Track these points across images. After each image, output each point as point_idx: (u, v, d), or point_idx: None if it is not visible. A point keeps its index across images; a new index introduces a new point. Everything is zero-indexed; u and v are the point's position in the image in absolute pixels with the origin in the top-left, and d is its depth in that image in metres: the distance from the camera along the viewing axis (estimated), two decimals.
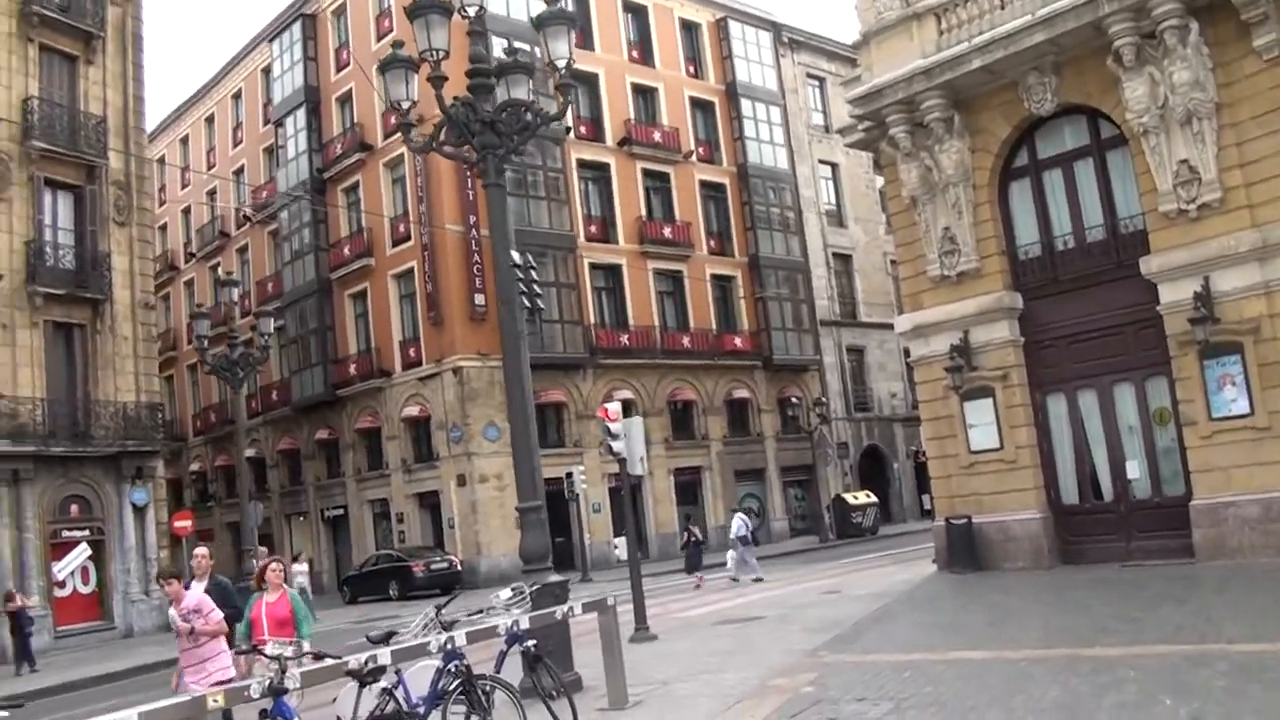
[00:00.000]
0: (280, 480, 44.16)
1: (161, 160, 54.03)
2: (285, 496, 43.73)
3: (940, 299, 20.62)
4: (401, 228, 37.36)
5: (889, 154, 21.45)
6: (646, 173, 41.40)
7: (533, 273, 32.93)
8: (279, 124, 42.95)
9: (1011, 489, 19.34)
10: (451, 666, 8.81)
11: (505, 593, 10.20)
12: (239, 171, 47.64)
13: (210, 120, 50.18)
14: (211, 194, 49.82)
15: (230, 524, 47.42)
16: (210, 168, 50.03)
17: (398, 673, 8.85)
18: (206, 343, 26.64)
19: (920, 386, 21.69)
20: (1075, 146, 19.43)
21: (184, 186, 52.15)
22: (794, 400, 42.60)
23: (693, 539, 29.83)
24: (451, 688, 8.80)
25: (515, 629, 8.93)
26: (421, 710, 8.89)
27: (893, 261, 48.87)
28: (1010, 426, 19.39)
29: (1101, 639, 10.83)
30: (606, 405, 16.16)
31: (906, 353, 48.50)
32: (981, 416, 19.90)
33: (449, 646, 8.32)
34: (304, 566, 28.27)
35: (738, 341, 42.28)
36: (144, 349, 30.42)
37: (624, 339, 38.78)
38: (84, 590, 27.98)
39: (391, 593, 31.68)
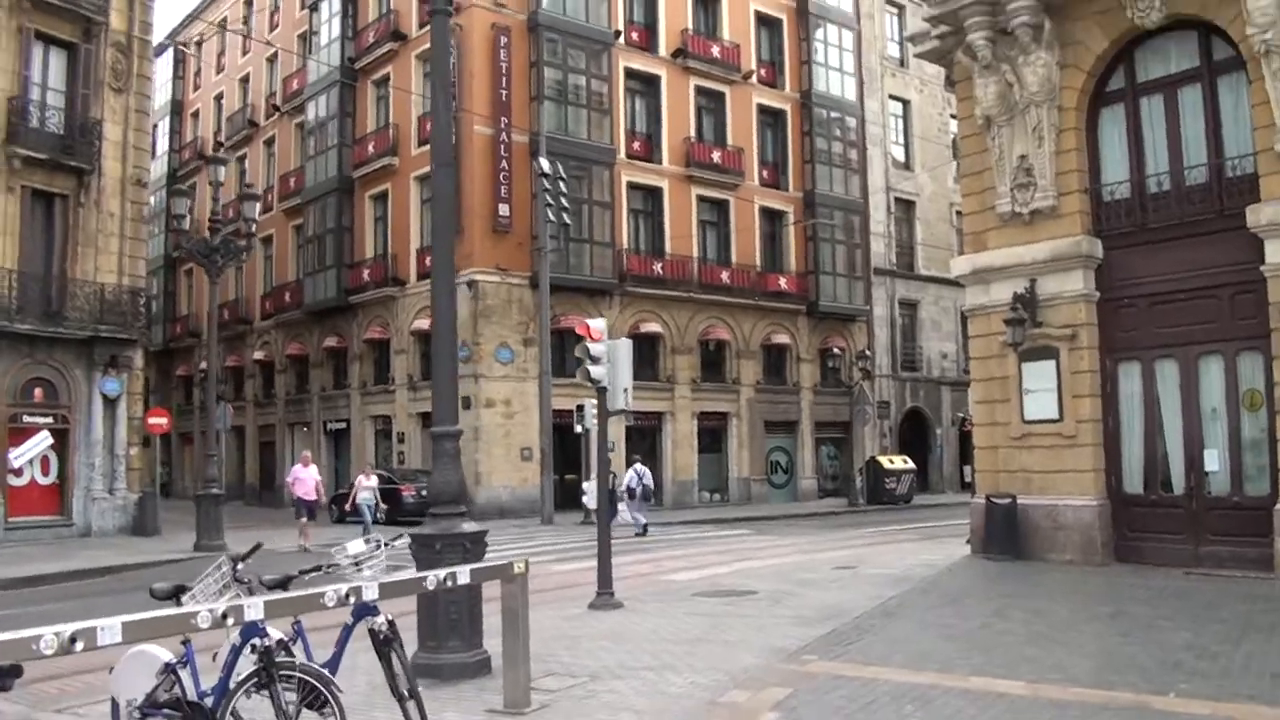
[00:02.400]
0: (286, 386, 41.94)
1: (199, 44, 51.71)
2: (290, 404, 41.52)
3: (1007, 240, 17.76)
4: (429, 126, 34.41)
5: (965, 66, 18.42)
6: (700, 90, 38.17)
7: (561, 184, 30.46)
8: (314, 8, 40.16)
9: (1067, 469, 16.59)
10: (252, 645, 6.13)
11: (356, 544, 7.51)
12: (272, 59, 44.98)
13: (249, 2, 47.45)
14: (244, 81, 47.25)
15: (236, 428, 45.36)
16: (244, 54, 47.44)
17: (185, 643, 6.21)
18: (186, 223, 24.24)
19: (974, 341, 18.74)
20: (1182, 69, 16.31)
21: (218, 72, 49.65)
22: (836, 351, 39.56)
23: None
24: (243, 677, 6.13)
25: (352, 598, 6.16)
26: (209, 703, 6.24)
27: (958, 213, 45.46)
28: (1073, 396, 16.59)
29: (1176, 681, 7.99)
30: (588, 321, 13.33)
31: (963, 316, 45.56)
32: (1041, 381, 17.10)
33: (232, 619, 5.57)
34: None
35: (782, 282, 39.20)
36: (132, 229, 27.92)
37: (658, 267, 35.84)
38: (43, 481, 25.76)
39: (379, 516, 29.23)
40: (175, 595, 6.53)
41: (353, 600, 6.10)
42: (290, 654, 6.44)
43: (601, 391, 13.17)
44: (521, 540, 23.92)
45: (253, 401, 44.15)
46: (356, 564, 7.25)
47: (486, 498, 31.21)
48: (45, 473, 25.76)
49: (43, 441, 25.37)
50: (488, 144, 32.50)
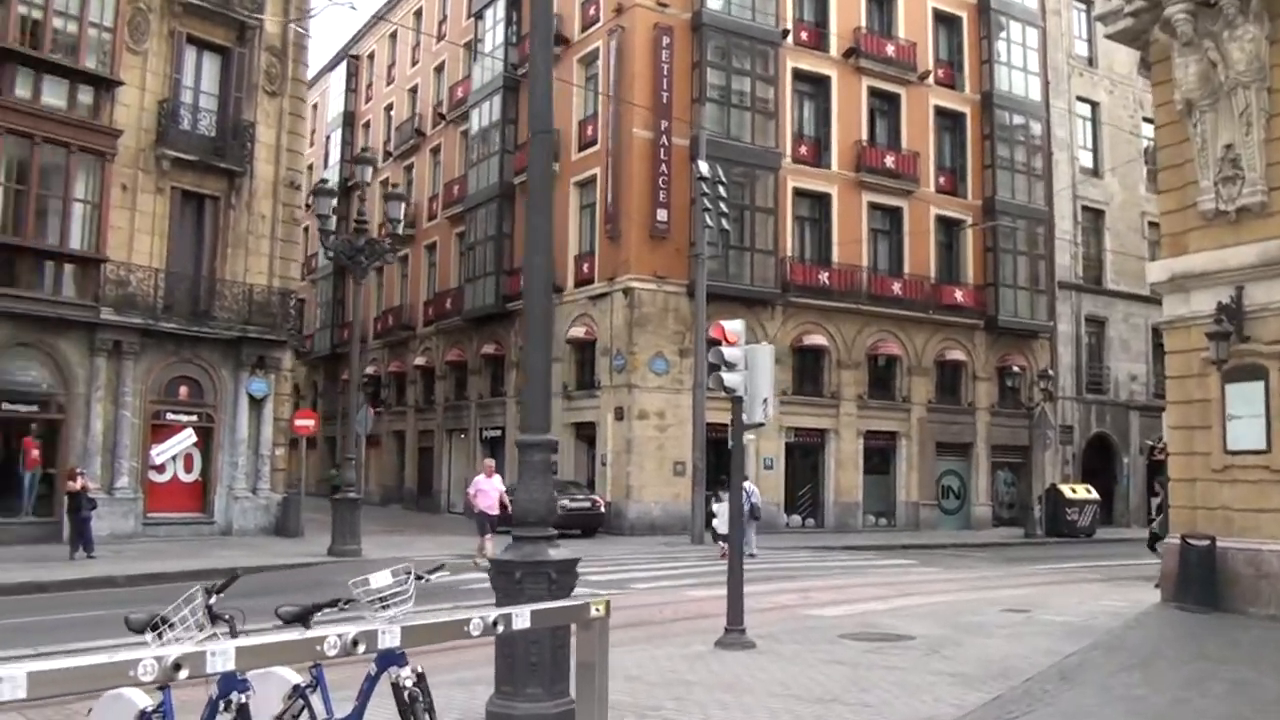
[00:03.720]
0: (446, 393, 41.73)
1: (370, 56, 52.50)
2: (449, 411, 41.27)
3: (1211, 241, 15.62)
4: (589, 130, 33.72)
5: (1162, 45, 16.42)
6: (873, 91, 36.29)
7: (721, 188, 29.09)
8: (479, 16, 39.90)
9: (1275, 508, 14.36)
10: (228, 700, 4.97)
11: (382, 576, 6.27)
12: (439, 68, 45.07)
13: (419, 14, 47.75)
14: (413, 91, 47.54)
15: (397, 432, 45.62)
16: (413, 64, 47.77)
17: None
18: (331, 224, 23.83)
19: (1170, 358, 16.57)
20: None
21: (388, 84, 50.16)
22: (1016, 370, 37.00)
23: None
24: None
25: (361, 645, 4.89)
26: None
27: (1151, 223, 42.22)
28: None
29: None
30: (723, 323, 11.90)
31: (1155, 331, 42.25)
32: (1247, 405, 14.88)
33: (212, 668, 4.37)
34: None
35: (959, 295, 36.90)
36: (284, 231, 27.87)
37: (824, 277, 34.09)
38: (186, 479, 25.80)
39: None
40: (154, 627, 5.40)
41: (362, 647, 4.83)
42: (308, 704, 5.29)
43: (737, 401, 11.73)
44: (665, 560, 22.64)
45: (414, 407, 44.18)
46: (382, 602, 6.01)
47: (637, 512, 30.09)
48: (188, 470, 25.80)
49: (186, 439, 25.40)
50: (647, 147, 31.41)
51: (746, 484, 25.35)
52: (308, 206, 35.58)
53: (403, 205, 24.20)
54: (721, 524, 24.02)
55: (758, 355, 11.84)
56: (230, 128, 26.65)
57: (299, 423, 27.81)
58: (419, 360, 43.19)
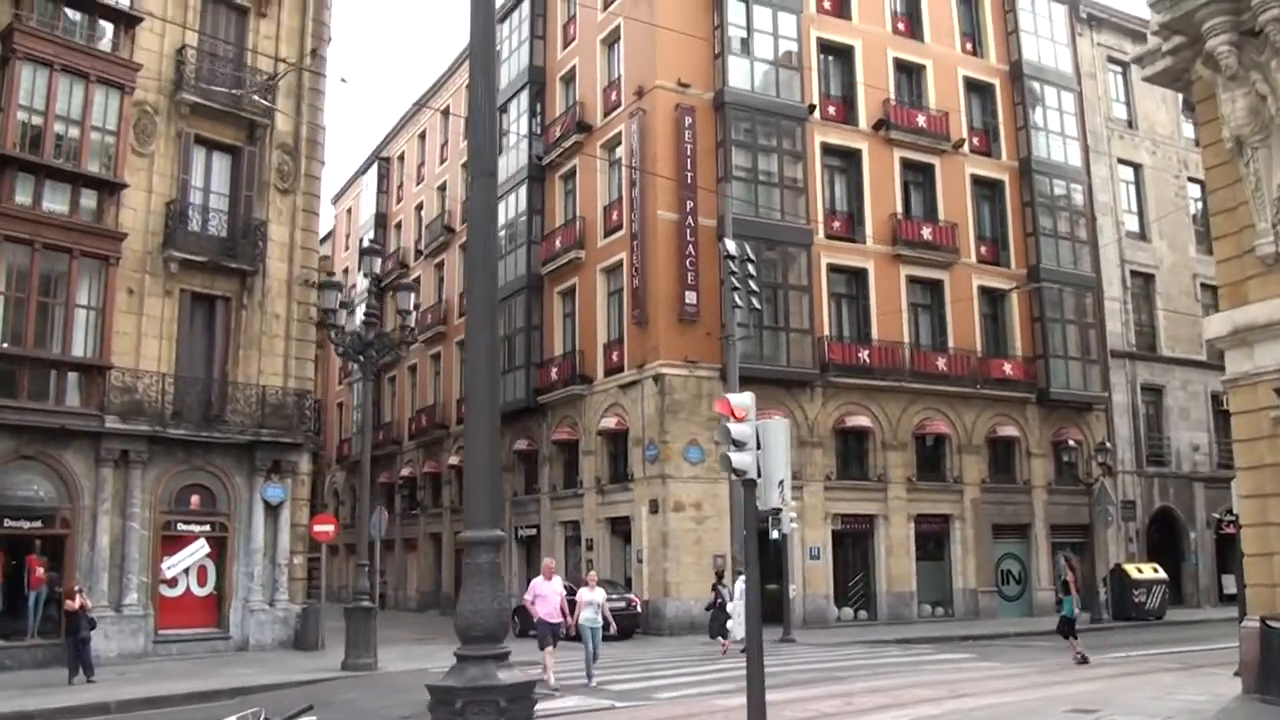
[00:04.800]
0: None
1: (401, 157, 52.49)
2: None
3: (1273, 289, 14.36)
4: (614, 215, 32.89)
5: (1206, 82, 15.27)
6: (906, 163, 35.23)
7: (751, 266, 27.97)
8: (503, 109, 39.52)
9: None
10: None
11: None
12: (466, 165, 44.68)
13: (446, 113, 47.61)
14: (442, 189, 47.26)
15: (433, 535, 44.42)
16: (442, 162, 47.57)
17: None
18: (342, 317, 22.95)
19: (1237, 420, 15.08)
20: None
21: (418, 183, 49.97)
22: (1072, 444, 35.15)
23: (719, 600, 25.37)
24: None
25: None
26: None
27: (1204, 285, 40.60)
28: None
29: None
30: (729, 396, 10.68)
31: (1215, 398, 40.31)
32: None
33: None
34: (597, 595, 19.15)
35: (1007, 369, 35.33)
36: (299, 330, 27.02)
37: (864, 355, 32.72)
38: (199, 592, 24.67)
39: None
40: None
41: None
42: None
43: (749, 486, 10.47)
44: (699, 664, 21.08)
45: (449, 508, 42.98)
46: None
47: (676, 611, 28.52)
48: (202, 583, 24.69)
49: (198, 550, 24.36)
50: (673, 229, 30.48)
51: (742, 577, 23.91)
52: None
53: (411, 296, 23.29)
54: (737, 625, 22.49)
55: (770, 432, 10.59)
56: (241, 227, 26.03)
57: (318, 528, 26.59)
58: (453, 460, 42.10)
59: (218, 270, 25.40)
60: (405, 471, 46.99)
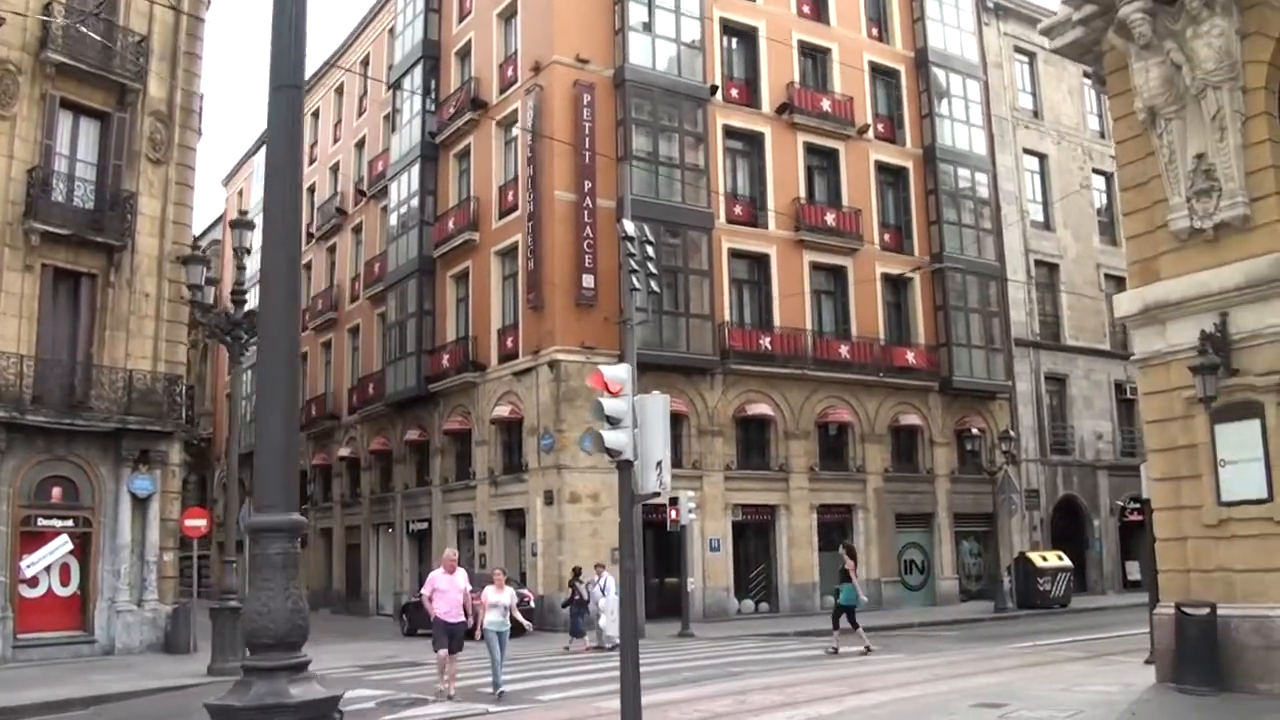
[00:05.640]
0: (371, 485, 38.93)
1: None
2: (375, 504, 38.44)
3: (1186, 264, 13.73)
4: (510, 195, 31.59)
5: (1118, 53, 14.75)
6: (810, 148, 34.45)
7: (649, 248, 26.83)
8: (396, 86, 37.99)
9: None
10: None
11: None
12: (360, 144, 43.06)
13: (340, 91, 45.84)
14: (335, 169, 45.47)
15: (324, 530, 42.67)
16: (335, 142, 45.77)
17: None
18: (208, 295, 21.38)
19: (1148, 400, 14.46)
20: None
21: (311, 163, 47.99)
22: (975, 433, 34.73)
23: (576, 596, 24.44)
24: None
25: None
26: None
27: (1107, 276, 40.64)
28: None
29: None
30: (603, 369, 9.56)
31: (1118, 386, 40.43)
32: (1241, 448, 12.87)
33: None
34: (505, 596, 16.74)
35: (910, 357, 34.79)
36: (170, 311, 25.27)
37: (765, 342, 31.87)
38: (62, 592, 22.80)
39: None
40: None
41: None
42: None
43: (623, 468, 9.37)
44: (591, 661, 19.96)
45: (340, 502, 41.31)
46: None
47: None
48: (65, 582, 22.84)
49: (60, 547, 22.57)
50: (570, 211, 29.29)
51: (606, 573, 23.06)
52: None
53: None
54: (611, 623, 21.55)
55: (649, 408, 9.50)
56: (109, 198, 24.16)
57: (189, 523, 24.74)
58: (344, 451, 40.45)
59: (83, 245, 23.53)
60: (314, 460, 45.07)
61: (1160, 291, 13.85)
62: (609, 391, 9.40)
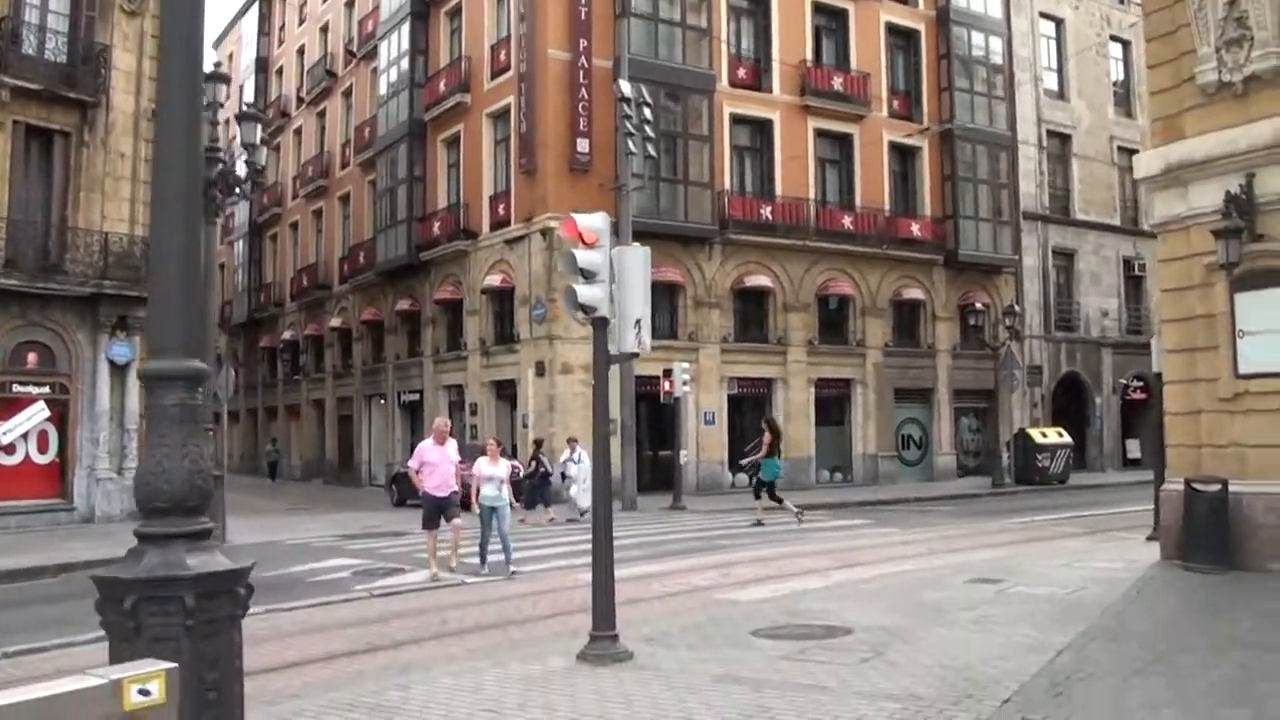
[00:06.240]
0: (363, 356, 38.29)
1: None
2: (366, 375, 37.86)
3: (1213, 121, 12.76)
4: (502, 55, 30.23)
5: None
6: (818, 7, 32.90)
7: (647, 111, 25.75)
8: None
9: None
10: None
11: None
12: (350, 3, 41.28)
13: None
14: (325, 30, 43.75)
15: (316, 400, 42.26)
16: (324, 1, 43.95)
17: None
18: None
19: (1165, 268, 13.63)
20: None
21: (300, 24, 46.27)
22: (979, 308, 33.91)
23: (540, 470, 24.35)
24: None
25: None
26: None
27: (1121, 148, 39.33)
28: None
29: None
30: (577, 216, 8.70)
31: (1127, 263, 39.46)
32: (1264, 318, 12.06)
33: None
34: (500, 469, 14.28)
35: (915, 229, 33.77)
36: (148, 171, 24.16)
37: (766, 212, 30.84)
38: (40, 460, 22.33)
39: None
40: None
41: None
42: None
43: (598, 326, 8.58)
44: (576, 533, 19.48)
45: (332, 373, 40.73)
46: None
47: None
48: (43, 450, 22.34)
49: (37, 414, 21.99)
50: (564, 70, 28.00)
51: (579, 447, 22.49)
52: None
53: (258, 128, 20.58)
54: (583, 494, 21.13)
55: (628, 261, 8.67)
56: (82, 52, 23.00)
57: None
58: (335, 322, 39.71)
59: (55, 101, 22.42)
60: (287, 335, 44.46)
61: (1184, 150, 12.92)
62: (583, 242, 8.56)
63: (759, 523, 20.25)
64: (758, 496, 21.33)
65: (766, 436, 21.65)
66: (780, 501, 21.03)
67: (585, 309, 8.52)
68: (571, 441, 23.37)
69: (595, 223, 8.66)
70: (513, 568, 13.97)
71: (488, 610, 11.24)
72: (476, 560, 14.37)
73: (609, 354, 8.71)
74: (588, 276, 8.51)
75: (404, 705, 7.03)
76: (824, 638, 8.85)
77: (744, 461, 23.28)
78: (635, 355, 8.84)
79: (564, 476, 23.41)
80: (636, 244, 9.51)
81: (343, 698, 7.31)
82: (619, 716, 6.58)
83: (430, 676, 7.91)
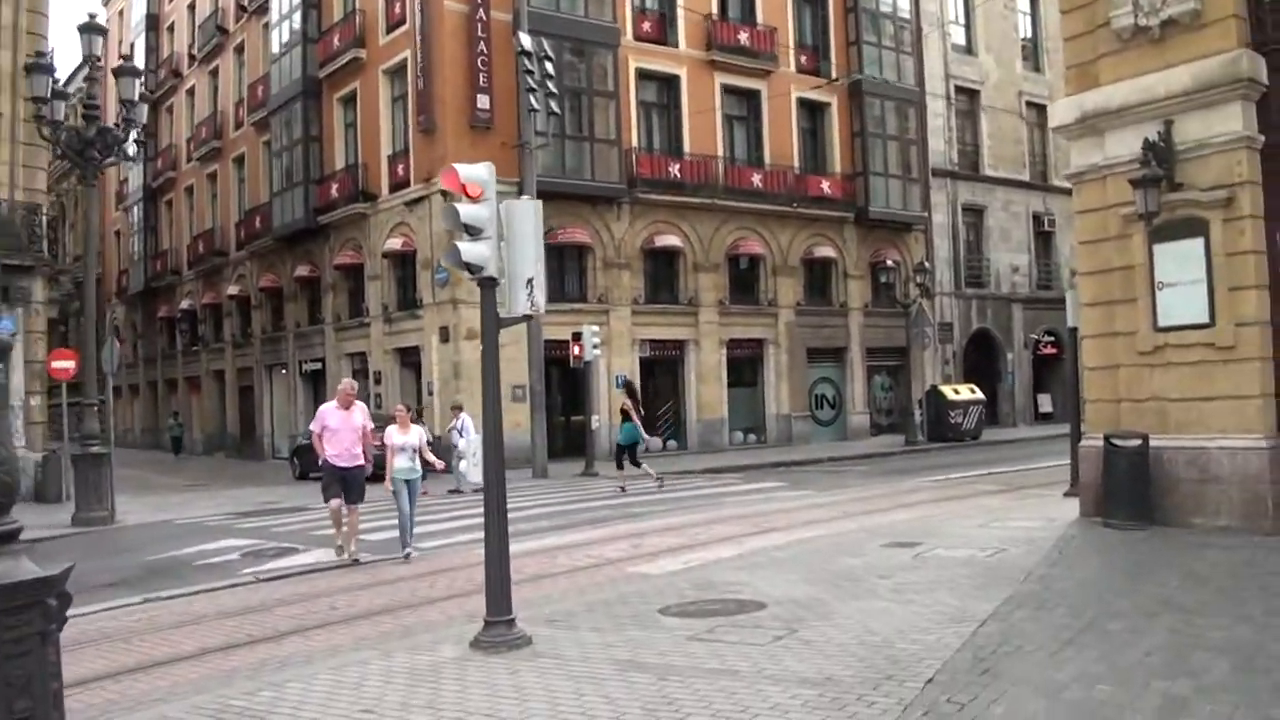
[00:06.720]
0: (262, 324, 36.96)
1: None
2: (267, 344, 36.55)
3: (1129, 67, 12.43)
4: (397, 7, 29.02)
5: None
6: None
7: (549, 65, 24.86)
8: None
9: (1221, 394, 11.48)
10: None
11: None
12: None
13: None
14: None
15: (216, 371, 40.84)
16: None
17: None
18: (57, 110, 19.06)
19: (1082, 219, 13.32)
20: None
21: None
22: (890, 265, 33.68)
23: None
24: None
25: None
26: None
27: (1029, 104, 39.41)
28: (1229, 289, 11.46)
29: None
30: (458, 167, 7.93)
31: (1036, 219, 39.62)
32: (1183, 269, 11.81)
33: None
34: (412, 436, 13.47)
35: (825, 186, 33.38)
36: (26, 132, 22.67)
37: (675, 170, 30.18)
38: None
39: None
40: None
41: None
42: None
43: (486, 286, 7.86)
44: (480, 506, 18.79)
45: (231, 343, 39.31)
46: None
47: (469, 446, 26.09)
48: None
49: None
50: (461, 23, 26.98)
51: (464, 415, 21.70)
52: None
53: (136, 83, 19.32)
54: (471, 467, 20.29)
55: (517, 215, 7.92)
56: None
57: (56, 364, 22.81)
58: (233, 289, 38.27)
59: None
60: (185, 304, 42.80)
61: (1099, 98, 12.55)
62: (467, 195, 7.82)
63: (622, 489, 19.71)
64: (620, 464, 20.61)
65: (627, 400, 20.92)
66: (639, 465, 20.40)
67: (471, 268, 7.78)
68: (456, 409, 22.44)
69: (479, 173, 7.92)
70: (411, 550, 12.75)
71: (380, 594, 10.51)
72: (378, 539, 13.56)
73: (498, 316, 7.98)
74: (473, 233, 7.78)
75: (274, 708, 6.34)
76: (736, 614, 8.31)
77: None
78: (528, 318, 8.12)
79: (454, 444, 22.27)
80: (526, 197, 8.73)
81: (209, 702, 6.58)
82: (509, 714, 5.94)
83: (309, 672, 7.21)
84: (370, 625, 9.05)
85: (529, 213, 8.05)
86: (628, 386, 22.05)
